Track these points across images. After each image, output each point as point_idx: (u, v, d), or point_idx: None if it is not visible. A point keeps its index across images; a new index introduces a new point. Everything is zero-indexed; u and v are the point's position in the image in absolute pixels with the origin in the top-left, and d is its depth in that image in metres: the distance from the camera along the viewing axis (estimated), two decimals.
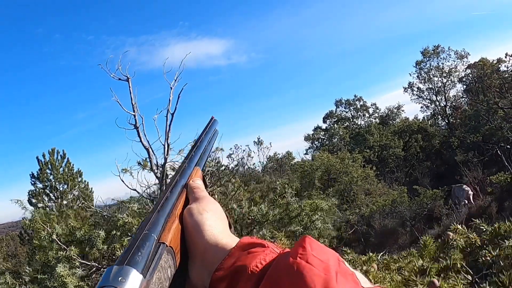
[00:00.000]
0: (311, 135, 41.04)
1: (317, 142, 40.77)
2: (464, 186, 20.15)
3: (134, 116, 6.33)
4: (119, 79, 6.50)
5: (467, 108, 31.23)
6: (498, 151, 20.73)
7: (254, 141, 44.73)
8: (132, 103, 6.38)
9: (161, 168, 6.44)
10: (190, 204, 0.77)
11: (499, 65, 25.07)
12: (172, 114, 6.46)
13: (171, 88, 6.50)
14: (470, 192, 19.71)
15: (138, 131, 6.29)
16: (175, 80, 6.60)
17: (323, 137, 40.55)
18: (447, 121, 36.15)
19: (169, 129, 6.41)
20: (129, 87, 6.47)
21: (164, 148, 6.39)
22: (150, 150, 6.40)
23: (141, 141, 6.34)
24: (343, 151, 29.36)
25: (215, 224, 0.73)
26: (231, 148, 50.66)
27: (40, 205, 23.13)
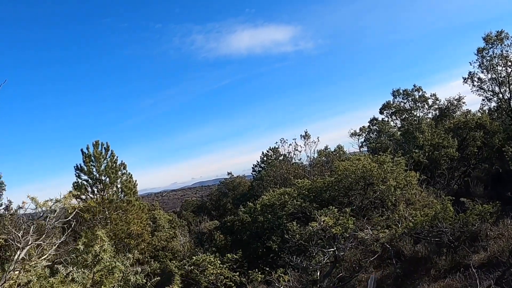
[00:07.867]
0: (357, 132, 38.54)
1: (362, 138, 38.26)
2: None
3: None
4: None
5: None
6: None
7: (301, 135, 42.94)
8: None
9: None
10: None
11: None
12: None
13: None
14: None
15: None
16: None
17: (370, 134, 37.93)
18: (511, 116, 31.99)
19: None
20: None
21: None
22: None
23: None
24: (390, 150, 26.79)
25: None
26: (276, 142, 49.34)
27: (83, 197, 23.35)
